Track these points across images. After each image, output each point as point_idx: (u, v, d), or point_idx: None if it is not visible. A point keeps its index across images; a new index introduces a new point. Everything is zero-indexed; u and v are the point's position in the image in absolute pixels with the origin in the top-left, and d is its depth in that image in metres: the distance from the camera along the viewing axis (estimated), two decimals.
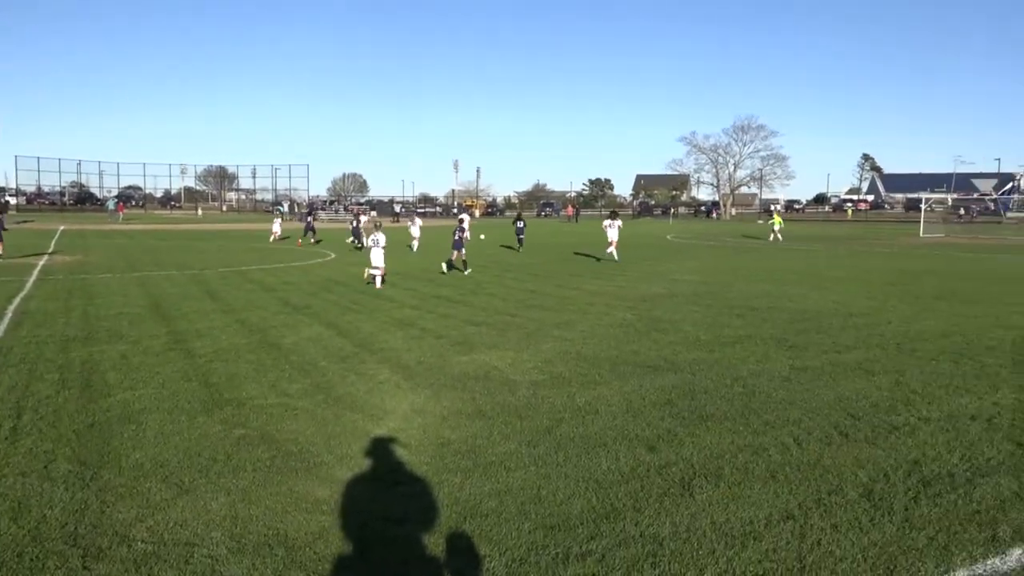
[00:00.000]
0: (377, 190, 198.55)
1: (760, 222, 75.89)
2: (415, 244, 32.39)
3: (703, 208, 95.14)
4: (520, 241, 31.61)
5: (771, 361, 9.36)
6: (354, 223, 34.42)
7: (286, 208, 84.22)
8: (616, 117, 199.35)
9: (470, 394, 7.92)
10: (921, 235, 44.66)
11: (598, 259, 26.03)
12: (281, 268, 22.56)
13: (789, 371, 8.81)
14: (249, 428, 6.80)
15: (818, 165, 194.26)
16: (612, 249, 25.08)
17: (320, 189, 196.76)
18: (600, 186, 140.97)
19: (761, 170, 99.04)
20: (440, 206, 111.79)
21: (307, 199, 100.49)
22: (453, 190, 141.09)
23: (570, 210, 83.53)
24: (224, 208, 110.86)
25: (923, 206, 52.90)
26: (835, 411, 7.24)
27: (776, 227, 42.58)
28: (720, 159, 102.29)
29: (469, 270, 21.11)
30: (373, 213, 43.64)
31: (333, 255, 28.14)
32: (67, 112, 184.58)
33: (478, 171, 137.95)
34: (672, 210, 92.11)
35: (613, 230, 25.27)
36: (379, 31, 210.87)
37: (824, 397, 7.71)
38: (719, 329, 11.60)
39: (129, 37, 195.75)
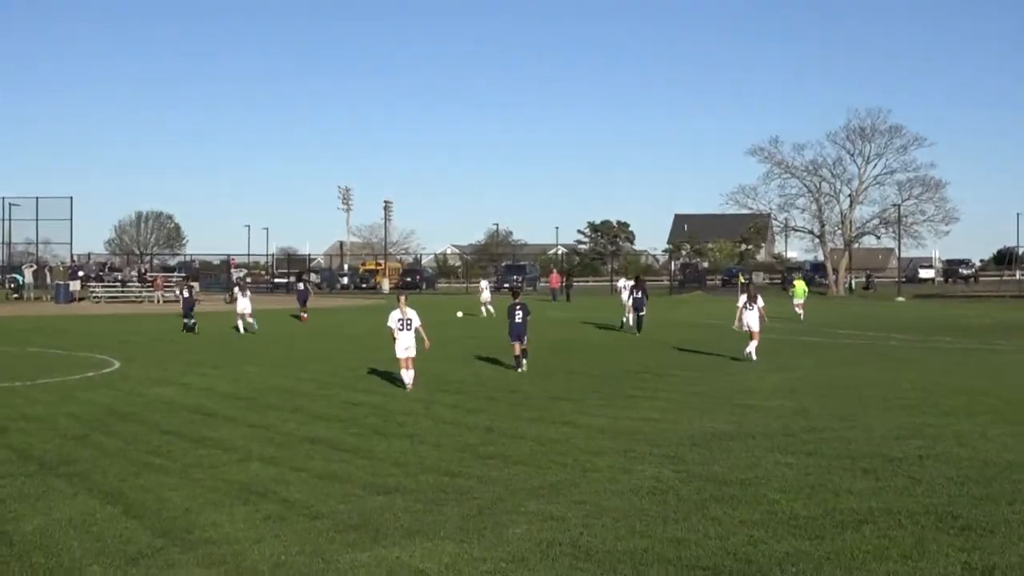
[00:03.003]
0: (200, 243, 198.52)
1: (901, 299, 77.03)
2: (245, 324, 41.30)
3: (803, 272, 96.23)
4: (639, 320, 40.31)
5: (928, 557, 9.35)
6: (186, 293, 41.84)
7: (29, 276, 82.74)
8: (631, 118, 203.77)
9: None
10: None
11: (737, 359, 28.05)
12: (17, 388, 22.27)
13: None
14: None
15: (997, 201, 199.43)
16: (753, 346, 28.38)
17: (95, 241, 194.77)
18: (610, 234, 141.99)
19: (898, 205, 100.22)
20: (318, 272, 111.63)
21: (72, 258, 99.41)
22: (341, 243, 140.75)
23: (556, 279, 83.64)
24: None
25: None
26: None
27: (797, 300, 50.29)
28: (826, 186, 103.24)
29: (524, 367, 25.73)
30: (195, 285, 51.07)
31: (117, 364, 27.93)
32: None
33: (386, 209, 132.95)
34: (742, 277, 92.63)
35: (754, 314, 28.62)
36: None
37: None
38: (831, 497, 11.61)
39: None
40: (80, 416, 18.23)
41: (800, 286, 52.66)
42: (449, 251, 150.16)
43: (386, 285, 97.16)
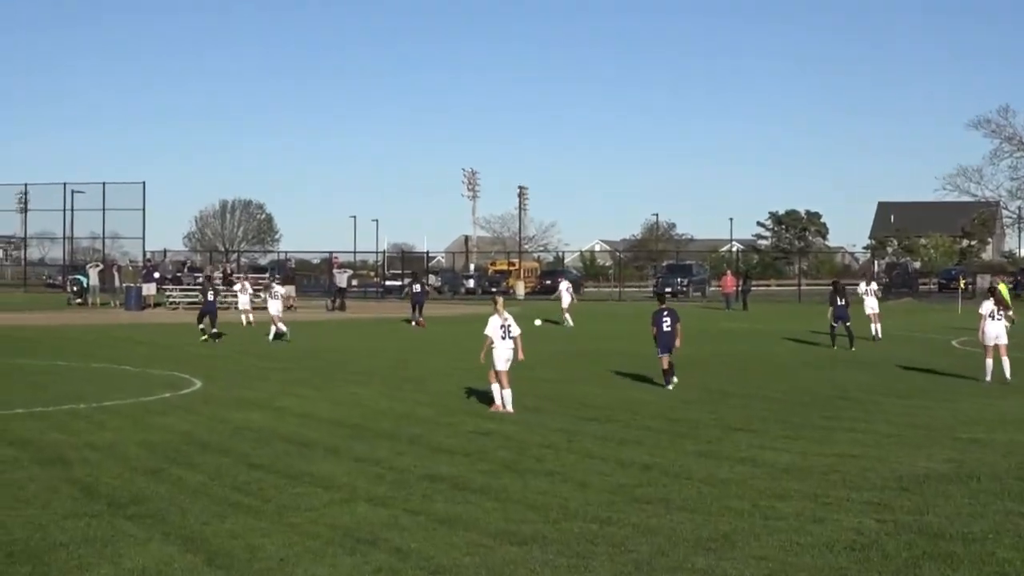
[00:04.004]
0: (296, 239, 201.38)
1: None
2: (277, 331, 43.23)
3: None
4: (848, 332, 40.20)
5: None
6: (210, 296, 43.55)
7: (94, 277, 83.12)
8: (819, 85, 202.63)
9: None
10: None
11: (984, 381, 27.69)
12: (81, 411, 22.48)
13: None
14: None
15: None
16: (1005, 365, 28.11)
17: (172, 236, 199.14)
18: (797, 227, 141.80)
19: None
20: (438, 273, 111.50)
21: (145, 255, 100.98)
22: (467, 238, 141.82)
23: (730, 281, 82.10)
24: None
25: None
26: None
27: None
28: None
29: (674, 382, 26.35)
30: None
31: (198, 383, 28.21)
32: None
33: (521, 196, 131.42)
34: (965, 281, 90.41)
35: (1001, 325, 27.91)
36: None
37: None
38: None
39: None
40: (155, 445, 18.28)
41: (1003, 290, 52.21)
42: (598, 248, 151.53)
43: (521, 289, 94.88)
